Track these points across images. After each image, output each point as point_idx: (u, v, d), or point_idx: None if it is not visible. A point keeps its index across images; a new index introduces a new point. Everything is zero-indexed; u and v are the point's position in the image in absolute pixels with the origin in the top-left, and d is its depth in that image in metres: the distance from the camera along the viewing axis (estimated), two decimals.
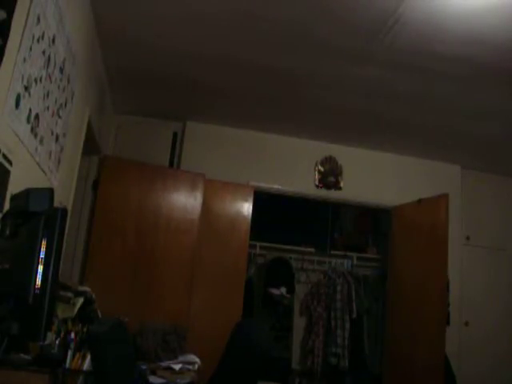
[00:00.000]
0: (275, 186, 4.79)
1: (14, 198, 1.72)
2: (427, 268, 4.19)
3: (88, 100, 3.33)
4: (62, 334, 2.09)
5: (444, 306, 4.06)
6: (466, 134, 4.36)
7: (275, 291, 4.93)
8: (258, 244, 5.00)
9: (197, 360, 3.46)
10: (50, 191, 1.49)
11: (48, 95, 2.22)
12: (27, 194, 1.46)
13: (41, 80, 2.07)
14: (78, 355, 2.12)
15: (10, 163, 1.79)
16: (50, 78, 2.21)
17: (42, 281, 1.29)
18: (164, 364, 3.32)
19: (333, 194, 4.89)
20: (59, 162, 2.66)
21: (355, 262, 5.29)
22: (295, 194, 4.87)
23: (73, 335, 2.12)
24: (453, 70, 3.28)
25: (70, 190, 3.23)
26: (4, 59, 1.63)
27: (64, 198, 3.04)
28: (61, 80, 2.42)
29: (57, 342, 2.00)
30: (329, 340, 4.80)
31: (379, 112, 4.11)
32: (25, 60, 1.83)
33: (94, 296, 2.80)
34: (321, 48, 3.20)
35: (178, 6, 2.86)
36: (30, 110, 1.97)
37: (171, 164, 4.61)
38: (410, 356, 4.20)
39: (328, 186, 4.87)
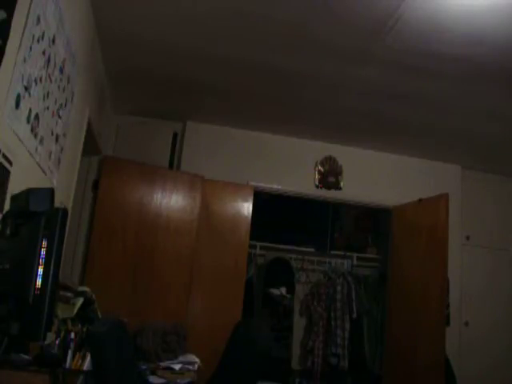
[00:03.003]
0: (275, 186, 4.79)
1: (14, 197, 1.72)
2: (427, 268, 4.18)
3: (88, 100, 3.33)
4: (62, 334, 2.09)
5: (444, 306, 4.06)
6: (466, 133, 4.36)
7: (275, 291, 4.93)
8: (258, 244, 5.00)
9: (197, 360, 3.47)
10: (51, 191, 1.49)
11: (48, 95, 2.22)
12: (27, 193, 1.46)
13: (41, 80, 2.07)
14: (77, 355, 2.13)
15: (10, 163, 1.79)
16: (50, 78, 2.21)
17: (42, 281, 1.29)
18: (164, 364, 3.33)
19: (333, 194, 4.89)
20: (59, 162, 2.66)
21: (355, 262, 5.29)
22: (295, 194, 4.87)
23: (73, 335, 2.12)
24: (453, 70, 3.28)
25: (70, 190, 3.23)
26: (4, 59, 1.63)
27: (64, 198, 3.04)
28: (61, 80, 2.42)
29: (57, 342, 2.00)
30: (329, 340, 4.79)
31: (379, 112, 4.11)
32: (25, 60, 1.82)
33: (93, 296, 2.80)
34: (321, 48, 3.20)
35: (178, 6, 2.86)
36: (30, 110, 1.97)
37: (171, 164, 4.61)
38: (410, 356, 4.20)
39: (328, 186, 4.87)
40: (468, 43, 2.92)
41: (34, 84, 1.97)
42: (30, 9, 1.81)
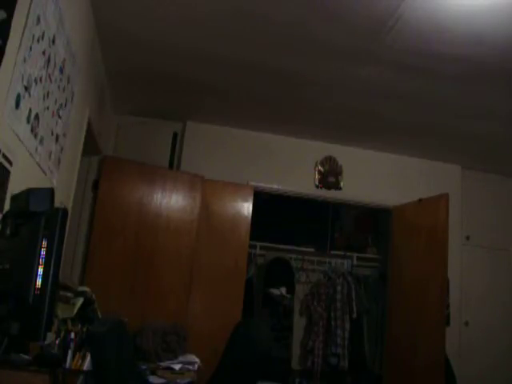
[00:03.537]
0: (275, 186, 4.79)
1: (14, 198, 1.72)
2: (427, 268, 4.19)
3: (88, 100, 3.33)
4: (62, 334, 2.09)
5: (444, 306, 4.06)
6: (466, 133, 4.36)
7: (275, 291, 4.93)
8: (258, 244, 5.00)
9: (197, 360, 3.47)
10: (51, 191, 1.49)
11: (48, 95, 2.22)
12: (27, 193, 1.46)
13: (41, 80, 2.07)
14: (77, 355, 2.12)
15: (10, 163, 1.79)
16: (50, 78, 2.21)
17: (42, 281, 1.29)
18: (164, 364, 3.33)
19: (333, 194, 4.89)
20: (59, 162, 2.66)
21: (355, 262, 5.29)
22: (295, 194, 4.87)
23: (73, 335, 2.12)
24: (453, 70, 3.28)
25: (70, 190, 3.23)
26: (4, 59, 1.63)
27: (64, 198, 3.04)
28: (61, 80, 2.42)
29: (57, 342, 2.00)
30: (329, 340, 4.79)
31: (379, 112, 4.11)
32: (25, 60, 1.83)
33: (93, 296, 2.80)
34: (321, 48, 3.20)
35: (178, 6, 2.86)
36: (30, 110, 1.97)
37: (171, 164, 4.61)
38: (411, 356, 4.20)
39: (328, 186, 4.87)
40: (468, 43, 2.92)
41: (34, 84, 1.97)
42: (29, 9, 1.81)
